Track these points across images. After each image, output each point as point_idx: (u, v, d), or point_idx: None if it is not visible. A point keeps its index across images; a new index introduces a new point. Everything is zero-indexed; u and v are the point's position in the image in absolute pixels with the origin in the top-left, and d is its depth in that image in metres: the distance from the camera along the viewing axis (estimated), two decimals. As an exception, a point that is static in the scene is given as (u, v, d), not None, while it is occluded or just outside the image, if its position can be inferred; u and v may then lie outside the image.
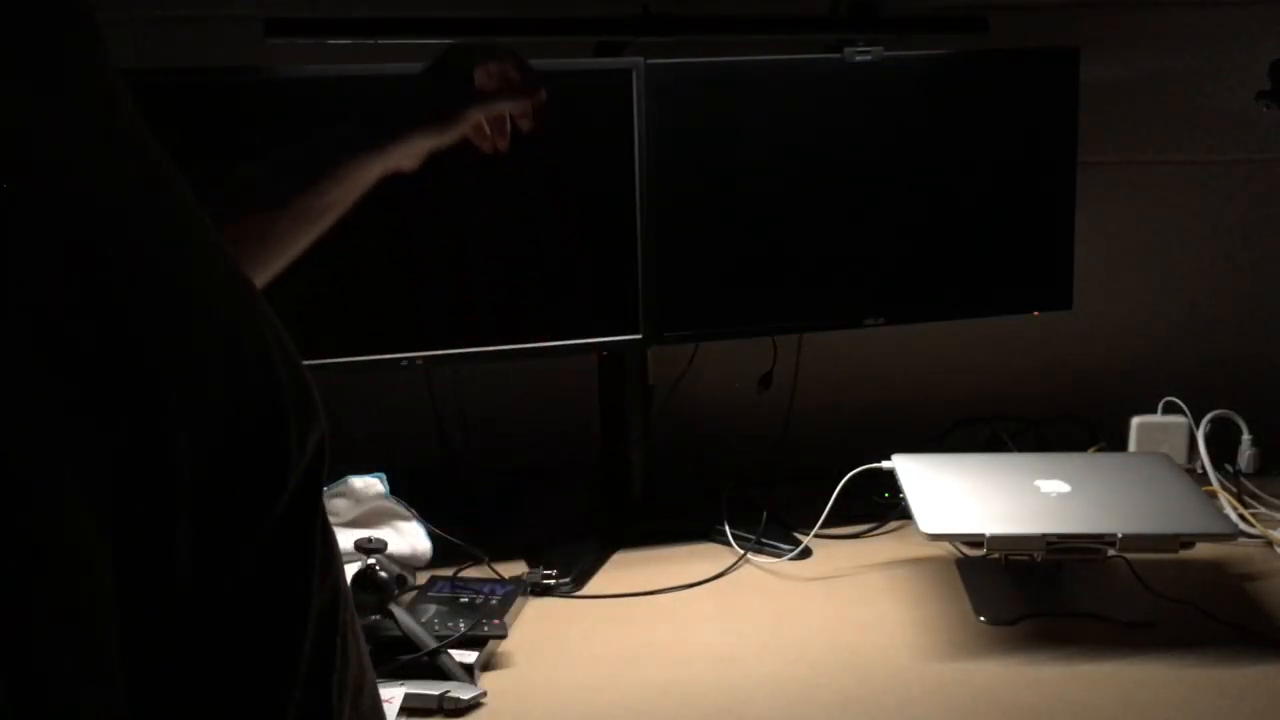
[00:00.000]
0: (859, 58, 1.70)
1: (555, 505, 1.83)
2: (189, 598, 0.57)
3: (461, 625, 1.42)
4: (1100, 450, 1.88)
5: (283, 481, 0.61)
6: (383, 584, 1.40)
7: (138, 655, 0.55)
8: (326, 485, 1.63)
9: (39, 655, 0.51)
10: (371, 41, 1.58)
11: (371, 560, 1.42)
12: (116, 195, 0.59)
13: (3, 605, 0.49)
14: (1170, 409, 1.87)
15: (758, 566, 1.67)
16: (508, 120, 1.19)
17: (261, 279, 0.99)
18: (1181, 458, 1.82)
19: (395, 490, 1.65)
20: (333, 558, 0.66)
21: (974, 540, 1.48)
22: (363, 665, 0.68)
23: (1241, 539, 1.67)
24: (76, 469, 0.53)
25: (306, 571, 0.63)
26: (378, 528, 1.62)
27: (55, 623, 0.51)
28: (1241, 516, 1.73)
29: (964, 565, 1.63)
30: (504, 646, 1.44)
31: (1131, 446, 1.86)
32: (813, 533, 1.67)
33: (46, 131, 0.56)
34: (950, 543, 1.65)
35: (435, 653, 1.36)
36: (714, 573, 1.64)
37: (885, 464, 1.65)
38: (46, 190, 0.55)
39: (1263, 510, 1.76)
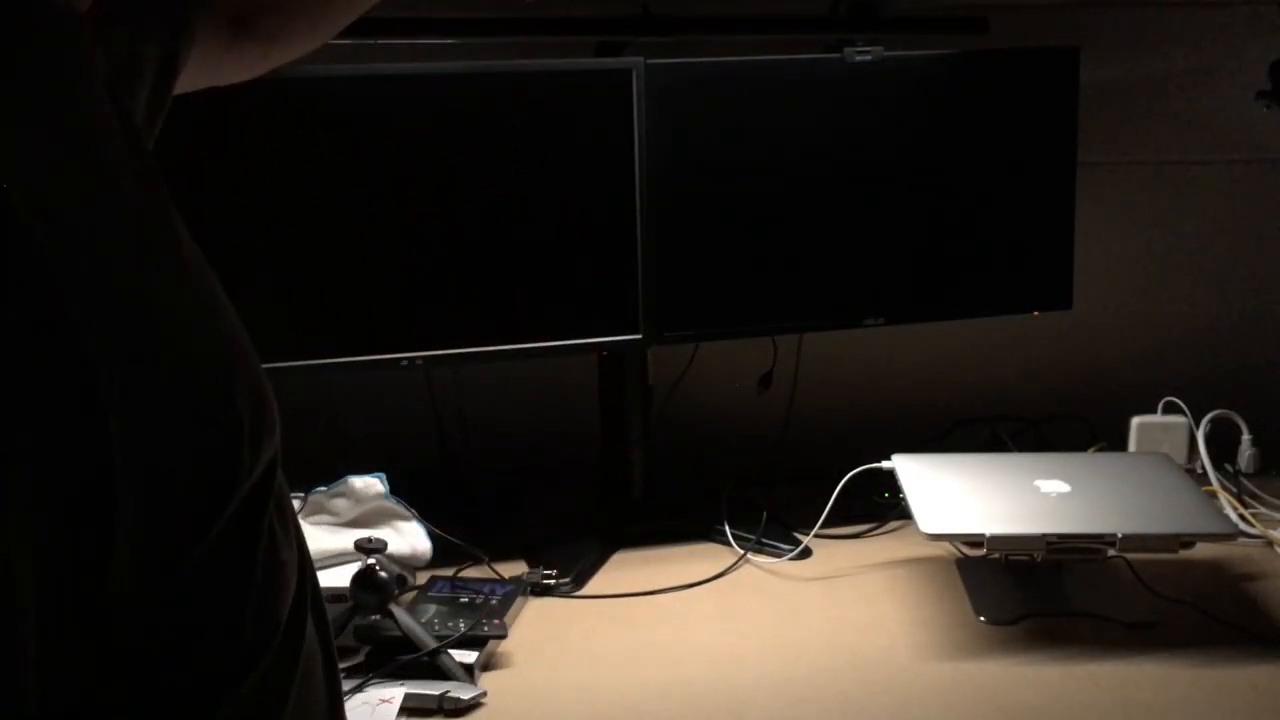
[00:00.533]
0: (859, 58, 1.70)
1: (555, 505, 1.83)
2: (127, 601, 0.57)
3: (461, 625, 1.42)
4: (1100, 450, 1.88)
5: (233, 487, 0.62)
6: (383, 584, 1.40)
7: (77, 660, 0.56)
8: (326, 485, 1.64)
9: None
10: (372, 42, 1.58)
11: (371, 560, 1.42)
12: (104, 204, 0.59)
13: None
14: (1170, 409, 1.87)
15: (758, 566, 1.67)
16: None
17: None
18: (1181, 458, 1.82)
19: (395, 490, 1.65)
20: (281, 576, 0.65)
21: (974, 540, 1.48)
22: (310, 667, 0.68)
23: (1241, 539, 1.67)
24: (15, 485, 0.53)
25: (246, 581, 0.63)
26: (378, 528, 1.62)
27: None
28: (1241, 516, 1.73)
29: (964, 565, 1.63)
30: (504, 646, 1.44)
31: (1131, 446, 1.86)
32: (813, 533, 1.67)
33: (41, 141, 0.56)
34: (950, 543, 1.65)
35: (435, 653, 1.36)
36: (714, 573, 1.64)
37: (885, 464, 1.65)
38: (31, 199, 0.55)
39: (1263, 510, 1.76)
